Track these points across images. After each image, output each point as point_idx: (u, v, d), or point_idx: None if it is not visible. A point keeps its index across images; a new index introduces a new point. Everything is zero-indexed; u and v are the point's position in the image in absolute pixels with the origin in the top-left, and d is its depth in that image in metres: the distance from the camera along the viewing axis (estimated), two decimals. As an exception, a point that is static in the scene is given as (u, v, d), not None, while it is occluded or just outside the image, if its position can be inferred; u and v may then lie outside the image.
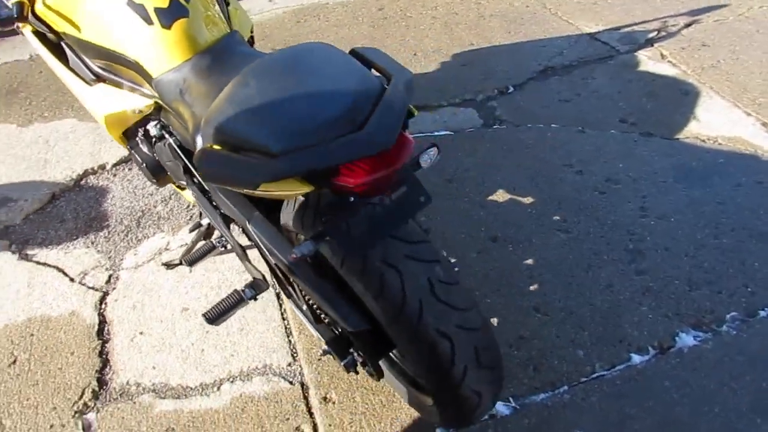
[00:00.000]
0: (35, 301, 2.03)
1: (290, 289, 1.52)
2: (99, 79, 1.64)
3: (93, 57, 1.60)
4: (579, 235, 2.10)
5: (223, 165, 1.00)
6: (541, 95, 2.86)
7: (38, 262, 2.18)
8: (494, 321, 1.85)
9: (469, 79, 3.01)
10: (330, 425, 1.62)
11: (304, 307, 1.47)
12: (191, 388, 1.75)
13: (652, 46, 3.18)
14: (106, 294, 2.05)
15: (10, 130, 2.89)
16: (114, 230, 2.30)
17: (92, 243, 2.25)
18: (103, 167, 2.60)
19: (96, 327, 1.94)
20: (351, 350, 1.41)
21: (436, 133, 2.66)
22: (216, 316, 1.41)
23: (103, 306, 2.01)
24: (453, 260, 2.05)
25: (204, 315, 1.41)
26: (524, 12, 3.61)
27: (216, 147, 1.05)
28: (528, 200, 2.27)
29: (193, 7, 1.45)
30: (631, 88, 2.86)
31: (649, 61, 3.05)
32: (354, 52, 1.16)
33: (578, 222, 2.16)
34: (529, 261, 2.03)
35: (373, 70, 1.10)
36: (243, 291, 1.43)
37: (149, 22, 1.42)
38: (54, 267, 2.15)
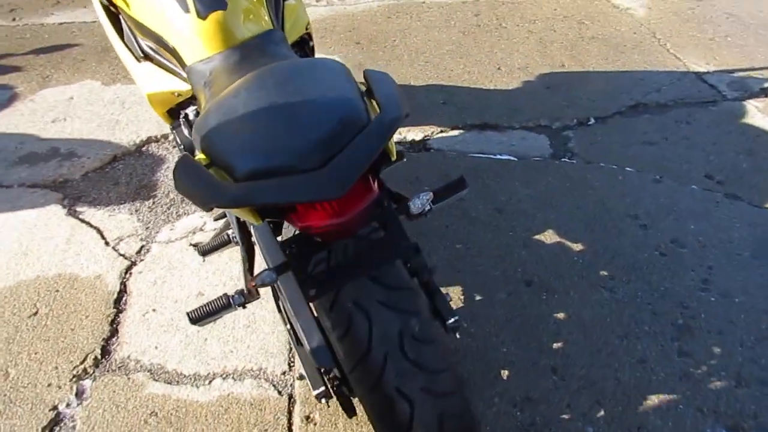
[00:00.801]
0: (69, 258, 2.10)
1: (279, 303, 1.46)
2: (146, 57, 1.65)
3: (141, 35, 1.61)
4: (624, 297, 1.90)
5: (187, 178, 0.94)
6: (623, 133, 2.63)
7: (82, 220, 2.26)
8: (504, 373, 1.70)
9: (549, 104, 2.81)
10: (305, 447, 1.56)
11: (288, 326, 1.41)
12: (184, 376, 1.75)
13: (766, 96, 2.83)
14: (133, 264, 2.09)
15: (93, 86, 3.03)
16: (159, 201, 2.34)
17: (136, 210, 2.30)
18: (165, 137, 2.67)
19: (115, 295, 1.98)
20: (325, 381, 1.33)
21: (497, 156, 2.51)
22: (200, 317, 1.37)
23: (127, 275, 2.05)
24: (478, 298, 1.92)
25: (188, 313, 1.38)
26: (629, 39, 3.34)
27: (200, 156, 1.00)
28: (578, 247, 2.08)
29: (233, 2, 1.41)
30: (728, 141, 2.56)
31: (757, 113, 2.72)
32: (364, 74, 1.07)
33: (627, 282, 1.95)
34: (561, 315, 1.86)
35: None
36: (232, 297, 1.39)
37: (186, 10, 1.40)
38: (95, 228, 2.22)
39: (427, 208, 1.53)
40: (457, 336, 1.43)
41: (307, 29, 1.82)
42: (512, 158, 2.51)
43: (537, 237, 2.13)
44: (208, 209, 0.90)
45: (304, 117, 0.92)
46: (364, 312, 1.05)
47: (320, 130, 0.89)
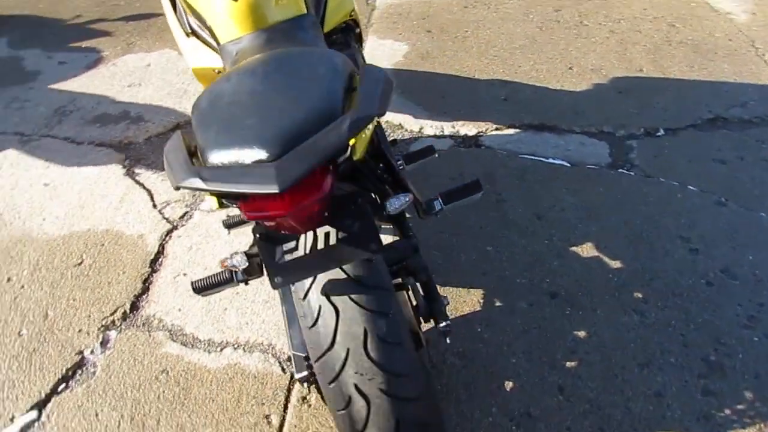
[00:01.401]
0: (119, 216, 2.24)
1: None
2: (193, 32, 1.71)
3: (188, 11, 1.67)
4: (655, 324, 1.78)
5: (168, 155, 0.98)
6: (694, 148, 2.45)
7: (137, 182, 2.39)
8: (508, 384, 1.65)
9: (618, 109, 2.66)
10: (296, 426, 1.59)
11: (283, 307, 1.43)
12: (199, 341, 1.82)
13: None
14: (174, 228, 2.19)
15: (171, 56, 3.18)
16: (209, 171, 2.44)
17: (186, 177, 2.41)
18: (226, 110, 2.76)
19: (152, 256, 2.09)
20: (308, 366, 1.35)
21: (549, 160, 2.41)
22: (203, 287, 1.42)
23: (167, 238, 2.16)
24: (498, 303, 1.87)
25: (192, 283, 1.43)
26: (723, 46, 3.08)
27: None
28: (615, 264, 1.97)
29: None
30: (812, 168, 2.32)
31: None
32: (360, 69, 1.06)
33: (662, 308, 1.83)
34: (581, 333, 1.77)
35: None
36: (235, 272, 1.43)
37: None
38: (147, 190, 2.35)
39: (438, 208, 1.50)
40: (447, 340, 1.40)
41: (351, 16, 1.81)
42: (565, 163, 2.40)
43: (573, 248, 2.03)
44: (175, 188, 0.92)
45: (276, 108, 0.92)
46: (333, 306, 1.05)
47: (286, 122, 0.89)
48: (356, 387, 1.04)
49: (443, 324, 1.35)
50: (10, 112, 2.86)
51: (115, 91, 2.92)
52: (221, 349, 1.80)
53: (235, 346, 1.80)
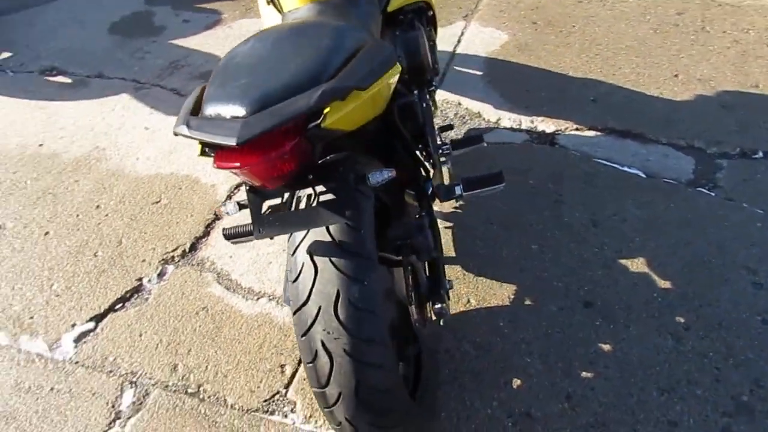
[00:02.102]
0: (199, 164, 2.45)
1: None
2: (271, 1, 1.83)
3: None
4: (690, 352, 1.68)
5: (184, 103, 1.08)
6: (793, 176, 2.22)
7: (222, 136, 2.59)
8: (516, 382, 1.64)
9: (717, 124, 2.47)
10: (304, 380, 1.69)
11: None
12: (240, 287, 1.98)
13: None
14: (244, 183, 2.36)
15: (252, 23, 3.38)
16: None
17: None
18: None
19: (219, 204, 2.28)
20: None
21: (624, 168, 2.30)
22: (231, 235, 1.54)
23: (235, 191, 2.34)
24: (528, 302, 1.84)
25: (223, 229, 1.56)
26: None
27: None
28: (664, 284, 1.86)
29: None
30: None
31: None
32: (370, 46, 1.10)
33: (702, 338, 1.71)
34: (606, 346, 1.71)
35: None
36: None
37: None
38: (229, 145, 2.54)
39: (458, 193, 1.52)
40: (441, 323, 1.42)
41: (416, -2, 1.84)
42: (640, 173, 2.28)
43: (623, 261, 1.95)
44: (174, 133, 1.03)
45: (268, 72, 0.99)
46: (314, 265, 1.12)
47: (272, 85, 0.96)
48: (323, 344, 1.10)
49: (438, 306, 1.38)
50: (133, 61, 3.20)
51: (224, 51, 3.15)
52: (257, 299, 1.94)
53: (270, 297, 1.93)
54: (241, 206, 1.15)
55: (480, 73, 2.88)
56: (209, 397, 1.68)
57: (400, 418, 1.21)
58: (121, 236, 2.18)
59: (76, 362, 1.81)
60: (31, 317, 1.94)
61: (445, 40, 3.12)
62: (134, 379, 1.75)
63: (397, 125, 1.65)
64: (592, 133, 2.48)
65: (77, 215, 2.29)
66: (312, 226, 1.08)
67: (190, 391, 1.71)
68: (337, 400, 1.13)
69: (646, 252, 1.96)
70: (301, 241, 1.14)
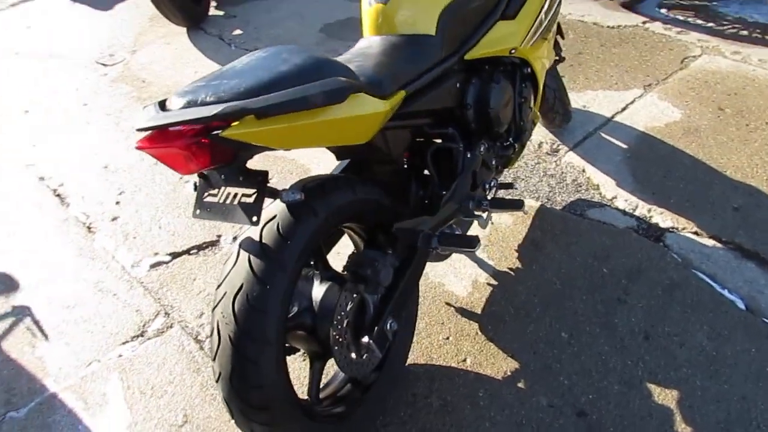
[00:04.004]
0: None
1: None
2: None
3: None
4: None
5: None
6: None
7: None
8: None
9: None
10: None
11: None
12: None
13: None
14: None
15: None
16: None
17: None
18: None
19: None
20: None
21: (724, 291, 1.97)
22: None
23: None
24: (520, 385, 1.74)
25: None
26: None
27: None
28: (681, 427, 1.61)
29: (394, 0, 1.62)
30: None
31: None
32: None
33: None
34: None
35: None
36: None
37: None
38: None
39: (434, 245, 1.52)
40: (363, 357, 1.44)
41: (511, 53, 1.83)
42: (740, 303, 1.94)
43: (650, 386, 1.71)
44: None
45: (225, 82, 1.14)
46: (237, 255, 1.27)
47: (217, 91, 1.11)
48: (218, 324, 1.25)
49: (365, 339, 1.42)
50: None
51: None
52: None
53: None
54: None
55: (625, 146, 2.68)
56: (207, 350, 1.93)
57: (277, 420, 1.29)
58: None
59: (141, 282, 2.20)
60: (135, 237, 2.40)
61: (608, 104, 2.95)
62: (169, 312, 2.07)
63: (425, 165, 1.70)
64: (711, 242, 2.17)
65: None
66: (226, 220, 1.22)
67: (199, 338, 1.97)
68: (218, 377, 1.26)
69: (686, 388, 1.70)
70: (245, 231, 1.30)
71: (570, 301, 1.98)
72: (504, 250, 2.20)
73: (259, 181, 1.19)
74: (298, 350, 1.52)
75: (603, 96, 3.03)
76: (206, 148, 1.11)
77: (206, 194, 1.26)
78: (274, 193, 1.21)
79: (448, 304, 2.01)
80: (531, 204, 2.40)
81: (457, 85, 1.73)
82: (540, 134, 2.79)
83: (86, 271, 2.28)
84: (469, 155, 1.74)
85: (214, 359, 1.26)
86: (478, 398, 1.72)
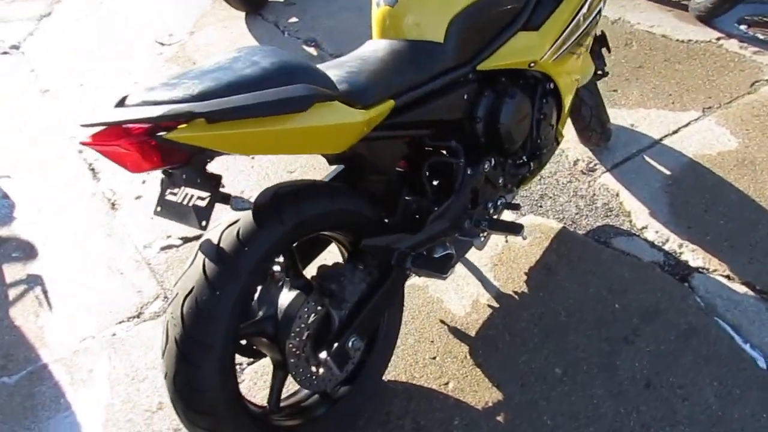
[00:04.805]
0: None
1: None
2: None
3: None
4: None
5: None
6: None
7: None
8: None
9: None
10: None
11: None
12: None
13: None
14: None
15: None
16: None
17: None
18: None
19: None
20: None
21: (746, 346, 1.79)
22: None
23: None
24: (500, 419, 1.65)
25: None
26: None
27: None
28: None
29: (402, 3, 1.55)
30: None
31: None
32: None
33: None
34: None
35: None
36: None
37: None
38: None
39: (408, 265, 1.45)
40: (320, 371, 1.39)
41: (530, 66, 1.72)
42: (760, 361, 1.75)
43: (642, 440, 1.58)
44: None
45: (184, 82, 1.11)
46: (196, 255, 1.25)
47: (172, 91, 1.09)
48: (167, 323, 1.24)
49: (323, 355, 1.37)
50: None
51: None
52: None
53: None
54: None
55: (668, 172, 2.48)
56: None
57: (222, 426, 1.27)
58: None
59: (149, 263, 2.24)
60: (152, 218, 2.44)
61: (659, 124, 2.75)
62: (169, 296, 2.09)
63: (418, 179, 1.63)
64: (743, 289, 1.98)
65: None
66: (180, 221, 1.20)
67: (191, 325, 1.98)
68: (165, 376, 1.25)
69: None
70: (208, 233, 1.28)
71: (573, 335, 1.86)
72: (513, 271, 2.09)
73: (213, 185, 1.16)
74: (265, 355, 1.49)
75: (655, 115, 2.83)
76: (156, 149, 1.08)
77: (168, 192, 1.24)
78: (226, 199, 1.18)
79: (442, 321, 1.93)
80: (552, 225, 2.27)
81: (465, 96, 1.63)
82: (578, 151, 2.63)
83: (101, 247, 2.35)
84: (469, 171, 1.65)
85: (162, 357, 1.25)
86: (452, 426, 1.64)
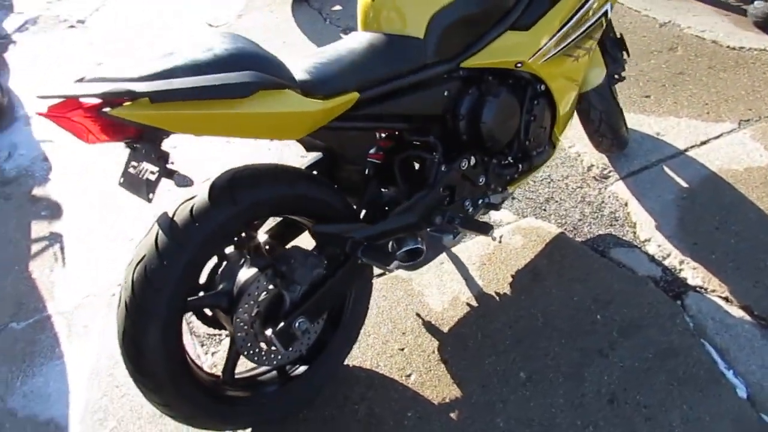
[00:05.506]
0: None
1: None
2: None
3: None
4: None
5: None
6: None
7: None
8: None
9: None
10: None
11: None
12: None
13: None
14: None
15: None
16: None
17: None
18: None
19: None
20: None
21: (728, 374, 1.72)
22: None
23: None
24: (454, 417, 1.66)
25: None
26: None
27: None
28: None
29: None
30: None
31: None
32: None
33: None
34: None
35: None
36: None
37: None
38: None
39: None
40: (263, 346, 1.45)
41: (517, 66, 1.70)
42: (740, 390, 1.68)
43: None
44: None
45: (143, 63, 1.18)
46: (153, 226, 1.34)
47: (126, 71, 1.16)
48: (122, 287, 1.33)
49: (268, 331, 1.43)
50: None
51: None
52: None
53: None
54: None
55: (685, 185, 2.38)
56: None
57: (165, 389, 1.35)
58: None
59: (157, 232, 2.37)
60: (168, 190, 2.57)
61: (688, 134, 2.63)
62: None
63: (390, 171, 1.65)
64: (740, 313, 1.88)
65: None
66: (135, 193, 1.27)
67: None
68: (117, 332, 1.35)
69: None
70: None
71: (546, 342, 1.83)
72: (500, 272, 2.07)
73: (163, 161, 1.24)
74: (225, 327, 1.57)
75: (685, 125, 2.70)
76: (108, 124, 1.16)
77: (130, 165, 1.32)
78: (171, 174, 1.25)
79: (418, 315, 1.95)
80: (550, 230, 2.24)
81: (446, 92, 1.63)
82: (594, 156, 2.56)
83: (126, 210, 2.50)
84: (444, 168, 1.65)
85: (116, 317, 1.35)
86: (405, 418, 1.66)
